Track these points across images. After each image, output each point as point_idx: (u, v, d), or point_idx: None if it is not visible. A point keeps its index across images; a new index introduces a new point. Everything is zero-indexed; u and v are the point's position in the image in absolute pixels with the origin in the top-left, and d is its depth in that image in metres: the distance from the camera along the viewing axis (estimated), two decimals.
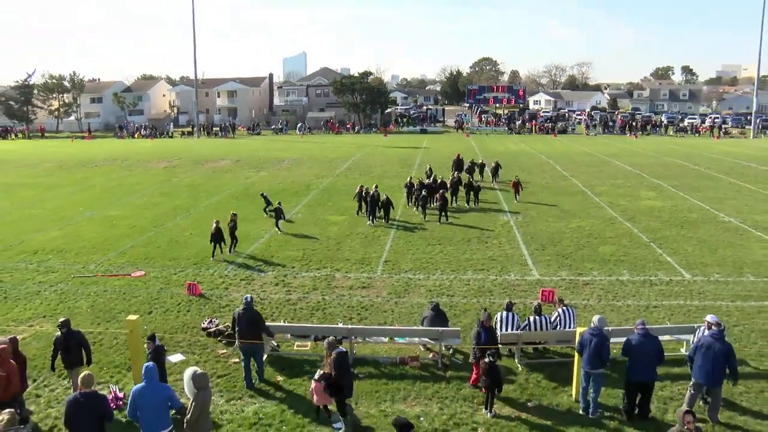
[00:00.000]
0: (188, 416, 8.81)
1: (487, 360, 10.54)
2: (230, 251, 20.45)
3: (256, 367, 11.83)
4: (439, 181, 28.95)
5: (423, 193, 26.60)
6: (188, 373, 9.12)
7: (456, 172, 32.21)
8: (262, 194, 27.61)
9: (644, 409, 10.35)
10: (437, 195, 25.82)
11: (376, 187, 26.20)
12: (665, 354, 10.59)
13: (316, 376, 10.31)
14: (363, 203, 25.98)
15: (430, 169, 33.47)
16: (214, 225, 19.84)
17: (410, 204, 28.07)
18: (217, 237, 19.73)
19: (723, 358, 10.00)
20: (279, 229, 23.57)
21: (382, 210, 25.16)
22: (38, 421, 10.39)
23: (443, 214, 25.24)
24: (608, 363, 10.64)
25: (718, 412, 10.29)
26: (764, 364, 12.21)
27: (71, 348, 10.64)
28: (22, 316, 15.16)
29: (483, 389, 10.77)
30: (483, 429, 8.86)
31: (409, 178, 29.69)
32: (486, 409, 10.57)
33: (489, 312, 12.10)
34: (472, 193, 28.72)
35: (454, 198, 28.48)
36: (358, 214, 26.25)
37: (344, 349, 10.56)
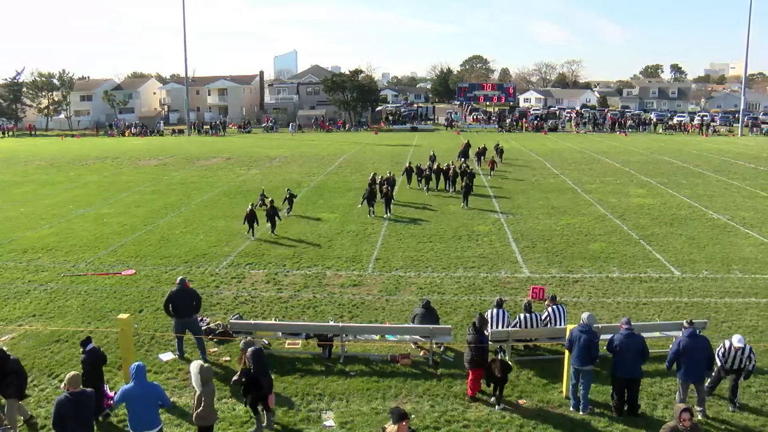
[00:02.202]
0: (200, 409, 8.92)
1: (499, 359, 11.02)
2: (272, 232, 22.53)
3: (195, 342, 12.70)
4: (444, 167, 32.04)
5: (431, 176, 31.05)
6: (195, 367, 9.11)
7: (462, 158, 36.67)
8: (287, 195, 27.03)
9: (633, 405, 10.46)
10: (463, 181, 28.52)
11: (390, 173, 28.89)
12: (655, 351, 10.71)
13: (235, 377, 10.43)
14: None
15: (434, 154, 35.03)
16: (249, 207, 22.45)
17: (410, 186, 31.75)
18: (251, 218, 21.98)
19: (703, 354, 10.21)
20: (287, 214, 25.82)
21: (384, 200, 25.95)
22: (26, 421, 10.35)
23: (467, 200, 27.53)
24: (598, 360, 10.74)
25: (705, 406, 10.42)
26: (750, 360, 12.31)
27: (6, 374, 9.79)
28: (12, 316, 15.06)
29: (490, 384, 11.02)
30: (495, 430, 8.93)
31: (407, 163, 32.76)
32: (498, 405, 10.73)
33: (485, 316, 12.12)
34: (466, 178, 29.85)
35: (452, 183, 31.52)
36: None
37: (260, 347, 10.59)
